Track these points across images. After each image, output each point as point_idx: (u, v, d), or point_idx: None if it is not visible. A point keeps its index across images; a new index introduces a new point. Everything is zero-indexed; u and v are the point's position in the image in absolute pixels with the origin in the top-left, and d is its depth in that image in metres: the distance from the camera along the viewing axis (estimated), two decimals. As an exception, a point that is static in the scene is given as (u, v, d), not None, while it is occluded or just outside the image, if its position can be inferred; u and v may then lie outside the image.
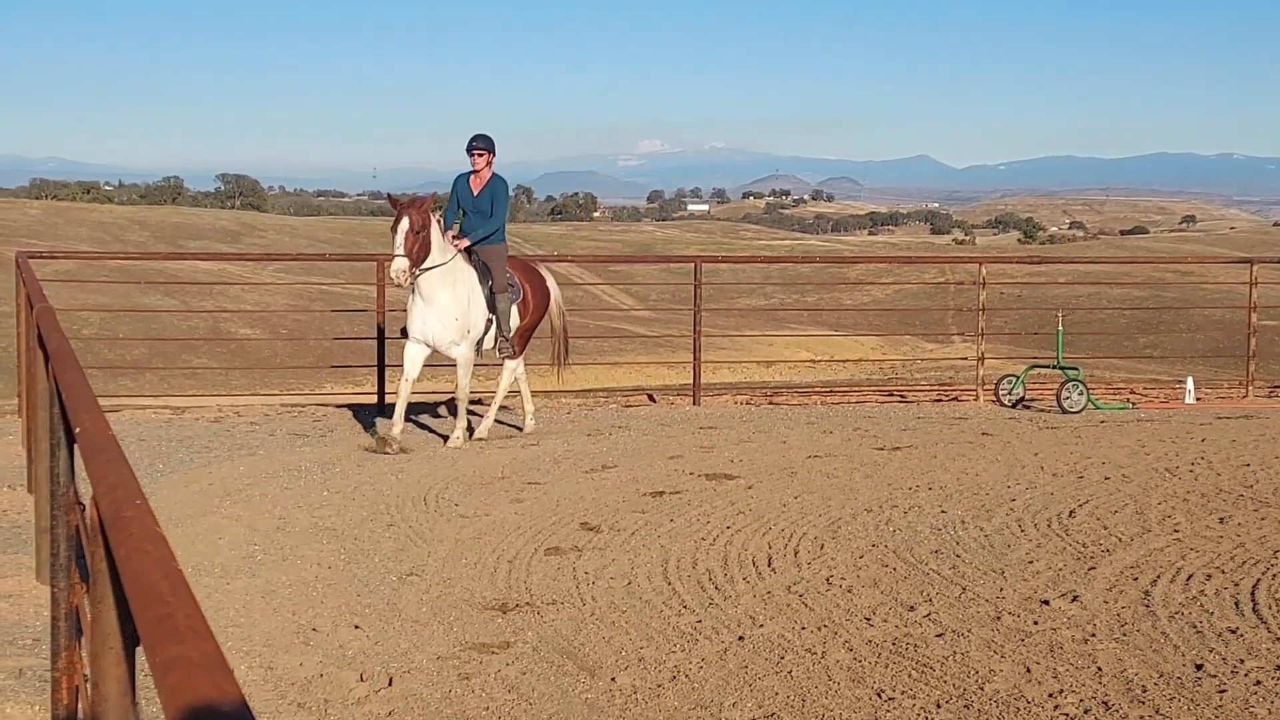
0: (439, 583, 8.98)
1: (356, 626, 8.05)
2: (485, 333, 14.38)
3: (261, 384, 32.66)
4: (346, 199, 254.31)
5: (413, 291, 13.83)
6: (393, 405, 14.39)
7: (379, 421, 14.82)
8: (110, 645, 3.12)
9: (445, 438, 14.42)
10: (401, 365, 14.31)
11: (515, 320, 14.71)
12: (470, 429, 14.60)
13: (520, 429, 15.27)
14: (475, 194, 14.47)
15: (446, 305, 13.88)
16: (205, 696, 1.75)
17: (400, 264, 13.28)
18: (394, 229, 13.37)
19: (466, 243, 14.20)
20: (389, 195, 14.13)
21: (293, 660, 7.41)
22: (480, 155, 14.50)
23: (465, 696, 6.92)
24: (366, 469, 12.74)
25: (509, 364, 14.99)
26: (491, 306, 14.37)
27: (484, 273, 14.30)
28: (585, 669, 7.33)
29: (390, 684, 7.08)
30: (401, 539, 10.14)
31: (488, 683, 7.12)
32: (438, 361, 14.70)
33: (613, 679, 7.17)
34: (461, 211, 14.58)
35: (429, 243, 13.59)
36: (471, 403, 15.03)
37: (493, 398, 15.58)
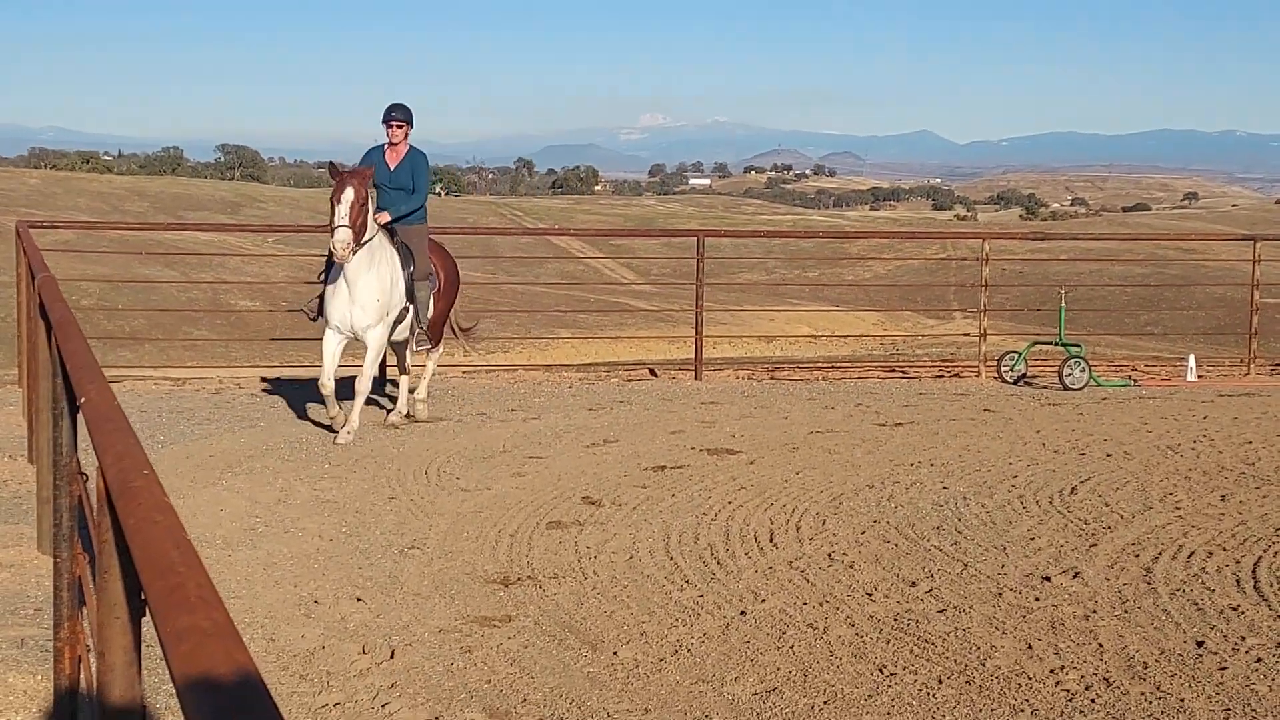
0: (440, 556, 8.99)
1: (358, 599, 8.05)
2: (399, 322, 13.31)
3: (261, 356, 32.64)
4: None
5: (329, 271, 12.84)
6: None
7: (334, 428, 13.03)
8: (116, 615, 3.12)
9: (332, 430, 13.03)
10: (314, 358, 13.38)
11: (430, 310, 13.72)
12: (364, 423, 13.28)
13: (388, 411, 14.31)
14: (393, 168, 13.47)
15: (369, 286, 12.75)
16: (217, 665, 1.74)
17: (344, 236, 12.16)
18: (336, 199, 12.26)
19: (387, 217, 13.10)
20: (331, 163, 12.87)
21: (294, 632, 7.41)
22: (399, 127, 13.50)
23: (467, 669, 6.93)
24: (367, 443, 12.74)
25: (434, 354, 14.33)
26: (410, 294, 13.35)
27: (405, 256, 13.28)
28: (587, 643, 7.34)
29: (392, 656, 7.08)
30: (402, 512, 10.15)
31: (490, 656, 7.13)
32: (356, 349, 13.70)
33: (614, 653, 7.18)
34: (375, 187, 13.38)
35: (368, 218, 12.60)
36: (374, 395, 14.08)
37: (415, 380, 14.49)
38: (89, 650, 5.60)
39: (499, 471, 11.56)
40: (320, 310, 13.07)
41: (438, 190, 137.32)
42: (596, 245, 74.38)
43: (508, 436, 13.10)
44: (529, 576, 8.52)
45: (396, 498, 10.57)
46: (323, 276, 13.10)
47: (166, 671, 5.84)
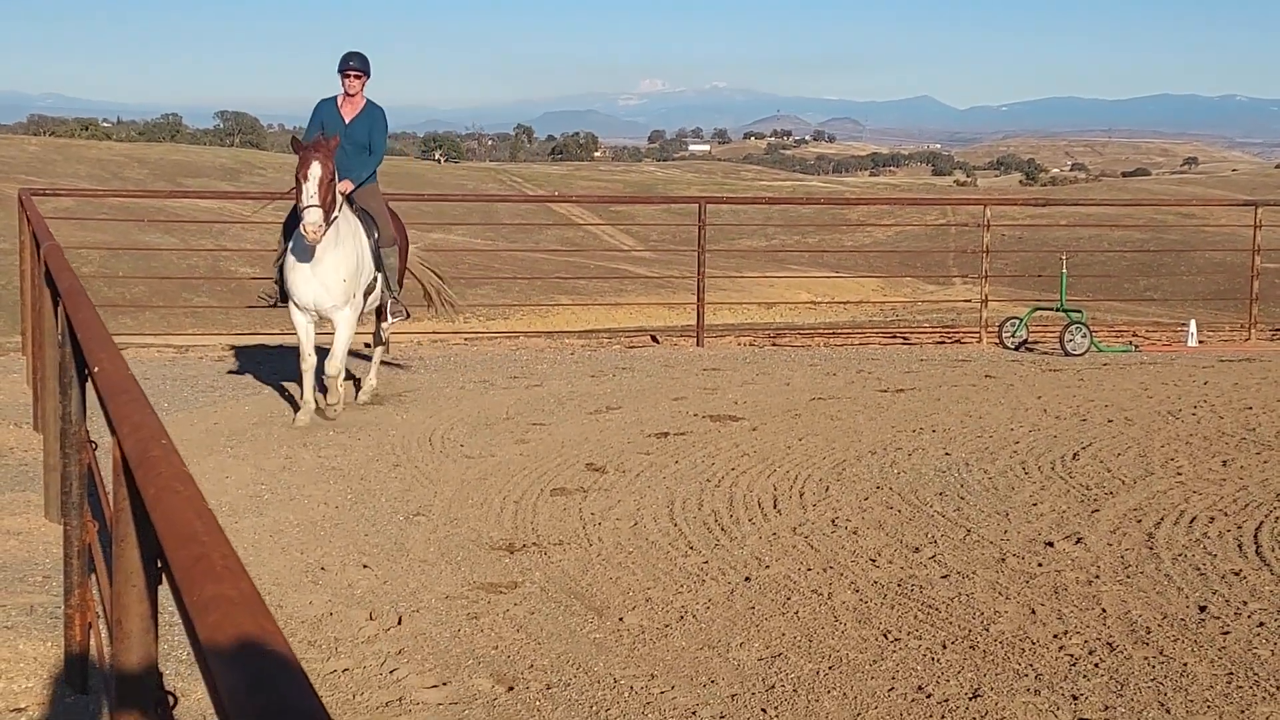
0: (446, 523, 9.02)
1: (365, 566, 8.09)
2: (369, 294, 12.45)
3: (262, 323, 32.63)
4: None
5: (289, 246, 11.99)
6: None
7: (301, 406, 12.27)
8: (133, 583, 3.15)
9: (319, 402, 12.44)
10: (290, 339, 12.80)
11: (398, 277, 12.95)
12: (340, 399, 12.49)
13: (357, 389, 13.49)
14: (349, 123, 12.32)
15: (335, 266, 11.83)
16: (246, 634, 1.76)
17: (316, 217, 11.16)
18: (303, 175, 11.19)
19: (350, 187, 12.12)
20: (293, 138, 11.82)
21: (302, 599, 7.45)
22: (357, 77, 12.32)
23: (474, 635, 6.97)
24: (372, 410, 12.77)
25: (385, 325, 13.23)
26: (378, 263, 12.45)
27: (368, 223, 12.35)
28: (593, 609, 7.38)
29: (399, 623, 7.12)
30: (407, 479, 10.18)
31: (496, 622, 7.17)
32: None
33: (620, 619, 7.21)
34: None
35: (336, 194, 11.63)
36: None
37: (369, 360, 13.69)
38: (99, 617, 5.64)
39: (502, 438, 11.59)
40: (283, 293, 12.22)
41: (437, 157, 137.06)
42: (596, 212, 74.29)
43: (511, 403, 13.13)
44: (534, 543, 8.55)
45: (401, 465, 10.60)
46: (280, 257, 12.30)
47: (173, 640, 5.86)
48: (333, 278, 11.85)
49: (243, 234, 51.86)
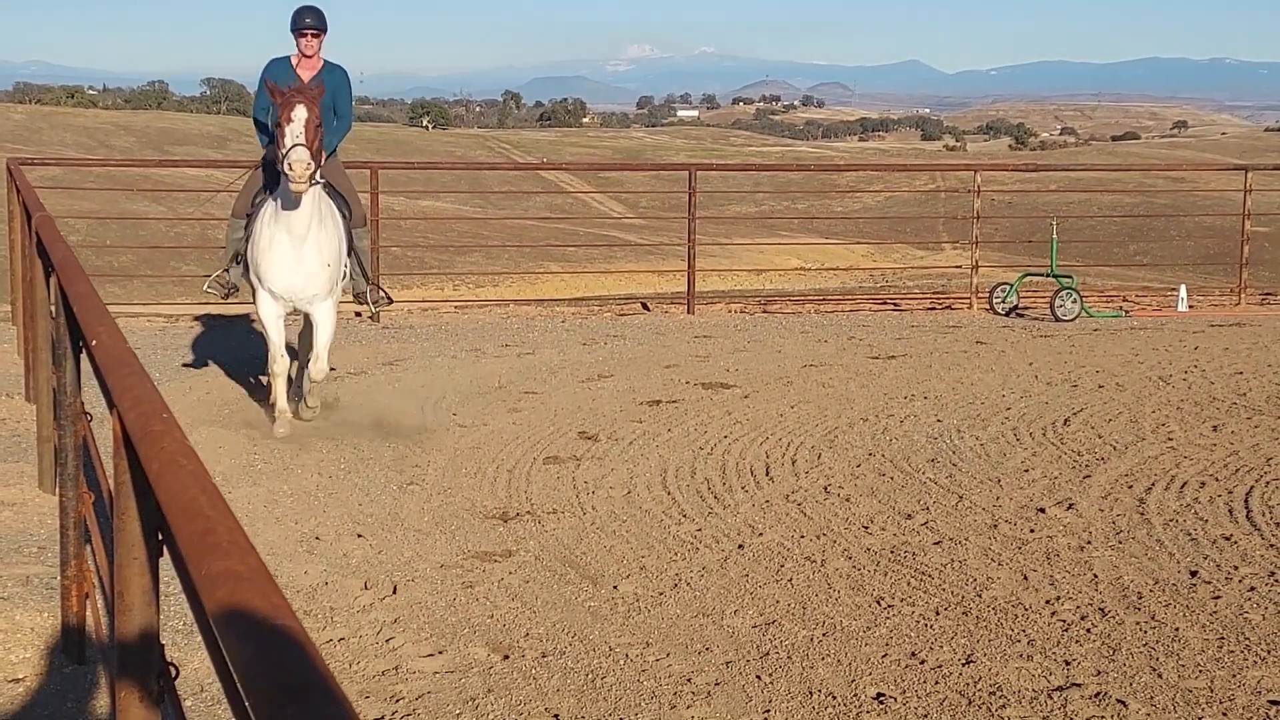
0: (440, 492, 9.04)
1: (359, 535, 8.11)
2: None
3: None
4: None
5: (253, 221, 10.61)
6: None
7: (277, 416, 10.69)
8: (134, 555, 3.17)
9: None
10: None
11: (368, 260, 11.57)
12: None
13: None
14: (304, 82, 10.52)
15: (319, 247, 10.39)
16: (256, 609, 1.78)
17: (303, 155, 9.70)
18: (285, 118, 9.77)
19: (324, 156, 10.38)
20: (268, 82, 10.35)
21: (297, 569, 7.47)
22: (315, 36, 10.90)
23: (469, 604, 6.99)
24: (364, 379, 12.77)
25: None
26: (350, 246, 10.97)
27: (338, 201, 10.85)
28: (587, 577, 7.40)
29: (395, 592, 7.14)
30: (401, 448, 10.19)
31: (491, 591, 7.19)
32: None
33: (615, 587, 7.24)
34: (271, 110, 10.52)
35: (321, 151, 10.17)
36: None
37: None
38: (95, 588, 5.66)
39: (495, 407, 11.60)
40: (243, 275, 10.85)
41: (425, 123, 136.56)
42: (585, 179, 74.17)
43: (503, 372, 13.14)
44: (528, 512, 8.58)
45: (394, 434, 10.61)
46: (236, 241, 10.87)
47: (168, 610, 5.85)
48: (315, 261, 10.38)
49: (231, 202, 51.83)
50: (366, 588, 7.20)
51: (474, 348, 14.60)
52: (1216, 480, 9.27)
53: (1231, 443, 10.34)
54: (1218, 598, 7.00)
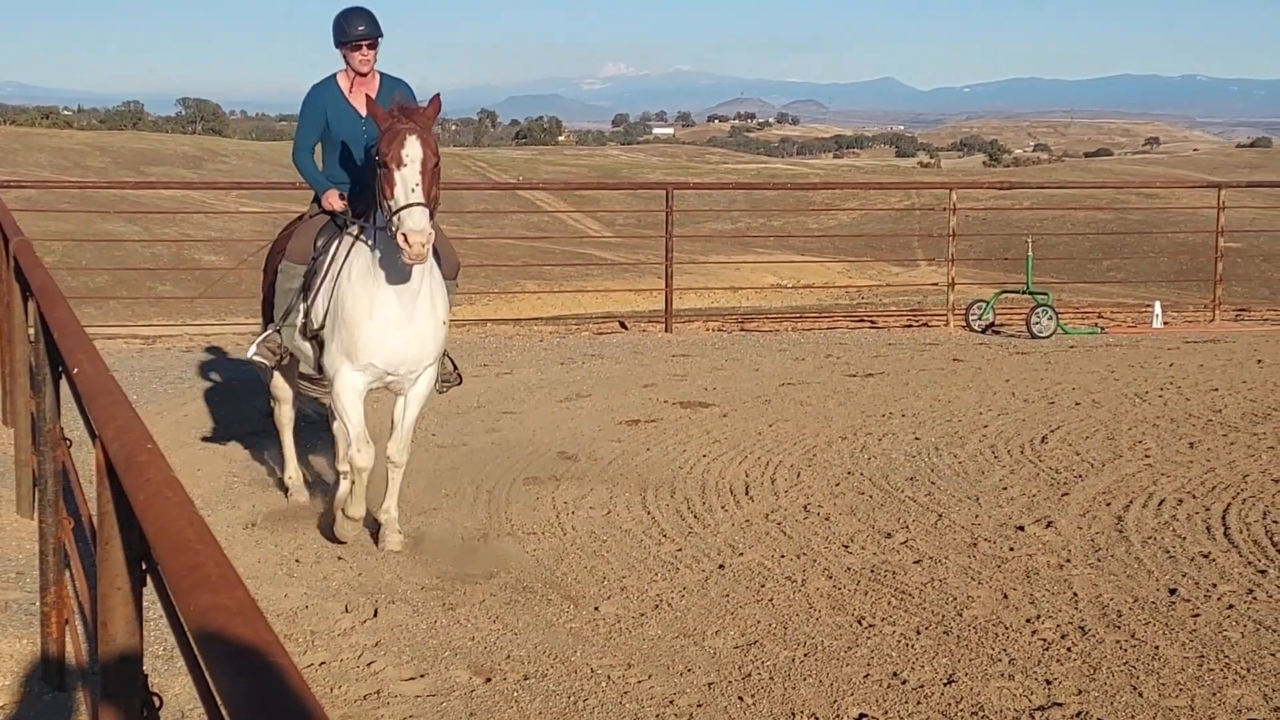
0: (420, 513, 9.03)
1: (339, 558, 8.10)
2: None
3: (228, 312, 32.51)
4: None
5: (344, 274, 8.12)
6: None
7: (342, 518, 8.43)
8: (118, 585, 3.16)
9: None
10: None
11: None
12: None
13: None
14: (366, 115, 8.20)
15: (434, 298, 8.12)
16: (246, 644, 1.78)
17: (422, 220, 7.36)
18: (395, 159, 7.40)
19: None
20: (369, 97, 7.99)
21: (277, 592, 7.45)
22: (371, 47, 8.52)
23: (450, 627, 6.98)
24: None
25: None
26: None
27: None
28: (568, 598, 7.40)
29: (375, 615, 7.13)
30: (380, 469, 10.15)
31: (472, 613, 7.19)
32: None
33: (596, 608, 7.24)
34: (322, 146, 8.83)
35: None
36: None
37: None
38: (75, 614, 5.63)
39: (474, 427, 11.59)
40: (302, 337, 8.50)
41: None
42: (562, 197, 74.20)
43: (481, 392, 13.12)
44: (508, 533, 8.57)
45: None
46: (296, 278, 8.52)
47: (149, 636, 5.83)
48: (429, 321, 8.07)
49: (207, 222, 51.68)
50: (347, 610, 7.18)
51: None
52: (1194, 498, 9.30)
53: (1208, 460, 10.38)
54: (1197, 616, 7.02)
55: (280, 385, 9.49)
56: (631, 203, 61.26)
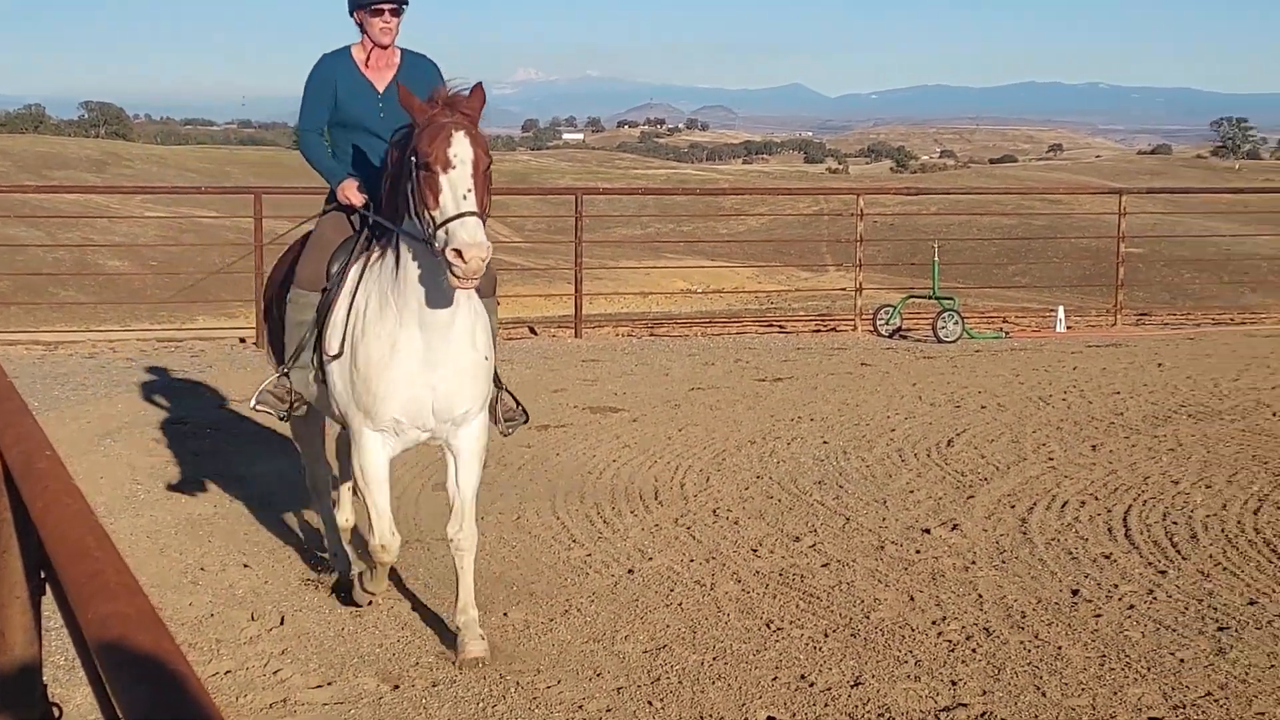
0: (327, 519, 8.95)
1: (246, 565, 8.02)
2: None
3: (131, 317, 32.13)
4: (215, 127, 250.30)
5: (361, 307, 6.61)
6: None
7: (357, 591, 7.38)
8: (17, 595, 3.12)
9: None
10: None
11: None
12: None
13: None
14: (383, 93, 7.12)
15: (472, 330, 6.56)
16: (145, 654, 1.76)
17: (479, 233, 5.85)
18: (441, 160, 5.94)
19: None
20: (405, 91, 6.19)
21: (182, 600, 7.38)
22: (395, 14, 7.11)
23: (359, 634, 6.94)
24: (244, 405, 12.62)
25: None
26: None
27: None
28: (478, 605, 7.37)
29: (282, 622, 7.08)
30: (288, 477, 10.08)
31: (381, 620, 7.15)
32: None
33: (504, 614, 7.23)
34: (326, 132, 7.34)
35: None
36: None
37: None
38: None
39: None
40: (316, 379, 6.94)
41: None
42: (471, 201, 73.80)
43: (389, 398, 13.04)
44: (417, 539, 8.53)
45: (279, 462, 10.50)
46: (308, 309, 6.94)
47: (49, 645, 5.75)
48: (468, 358, 6.53)
49: (111, 227, 51.04)
50: (253, 619, 7.12)
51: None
52: (1096, 499, 9.43)
53: (1110, 462, 10.52)
54: (1099, 616, 7.12)
55: (305, 437, 7.83)
56: (541, 208, 61.15)
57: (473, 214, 5.85)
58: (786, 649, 6.70)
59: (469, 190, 5.88)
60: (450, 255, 5.78)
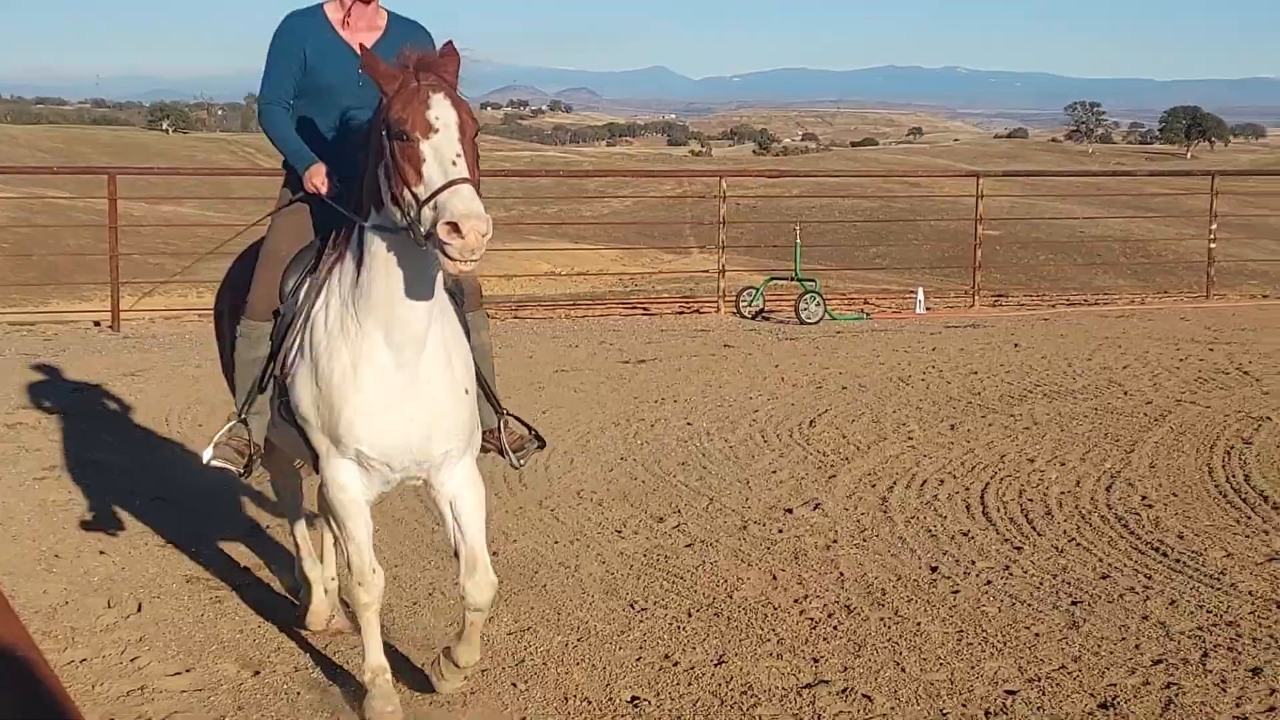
0: (187, 506, 8.83)
1: (102, 552, 7.89)
2: None
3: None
4: (68, 107, 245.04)
5: (317, 325, 5.55)
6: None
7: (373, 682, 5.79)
8: None
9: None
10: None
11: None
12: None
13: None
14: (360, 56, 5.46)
15: (448, 356, 5.53)
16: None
17: (475, 203, 4.84)
18: (420, 125, 5.00)
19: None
20: (366, 51, 5.33)
21: (35, 588, 7.23)
22: None
23: (218, 620, 6.86)
24: (105, 388, 12.40)
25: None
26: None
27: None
28: (341, 600, 7.31)
29: (139, 610, 6.97)
30: (145, 461, 9.92)
31: (239, 606, 7.07)
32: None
33: (368, 598, 7.16)
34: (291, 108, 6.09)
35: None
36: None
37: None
38: None
39: (242, 417, 11.37)
40: (280, 419, 5.83)
41: (165, 127, 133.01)
42: (332, 183, 73.12)
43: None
44: (279, 525, 8.44)
45: (138, 447, 10.33)
46: (262, 344, 5.86)
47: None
48: (444, 388, 5.48)
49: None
50: (110, 606, 7.01)
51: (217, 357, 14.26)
52: (954, 478, 9.58)
53: (968, 441, 10.70)
54: (956, 592, 7.24)
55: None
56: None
57: (465, 180, 4.85)
58: (650, 629, 6.73)
59: (458, 155, 4.91)
60: (443, 231, 4.74)
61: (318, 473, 5.77)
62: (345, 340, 5.38)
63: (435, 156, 4.90)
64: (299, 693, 5.97)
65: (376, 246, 5.22)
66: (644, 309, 19.89)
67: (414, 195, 4.89)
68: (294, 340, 5.63)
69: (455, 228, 4.71)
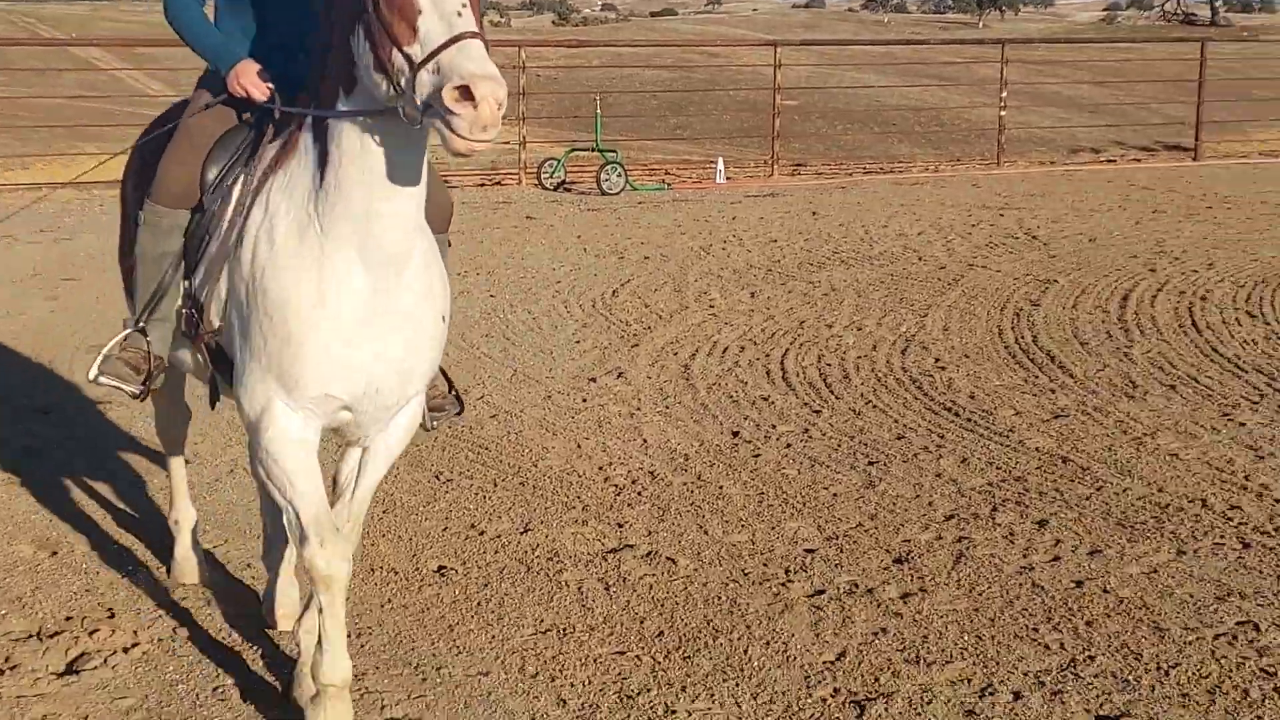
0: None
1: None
2: None
3: None
4: None
5: (264, 224, 4.31)
6: None
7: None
8: None
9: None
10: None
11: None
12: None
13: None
14: None
15: (429, 280, 4.35)
16: None
17: (488, 63, 3.66)
18: None
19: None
20: None
21: None
22: None
23: (12, 501, 6.71)
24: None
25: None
26: None
27: None
28: (139, 468, 7.21)
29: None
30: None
31: (37, 487, 6.91)
32: None
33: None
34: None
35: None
36: None
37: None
38: None
39: (32, 296, 11.08)
40: (185, 338, 4.84)
41: None
42: (120, 55, 70.74)
43: (38, 259, 12.54)
44: (74, 405, 8.26)
45: (-81, 328, 10.01)
46: (175, 236, 4.76)
47: None
48: (428, 322, 4.38)
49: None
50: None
51: (5, 234, 13.81)
52: (755, 344, 9.73)
53: (768, 308, 10.85)
54: (757, 456, 7.38)
55: (173, 429, 5.85)
56: (198, 60, 58.94)
57: (474, 34, 3.72)
58: (456, 499, 6.76)
59: (464, 4, 3.77)
60: (450, 98, 3.61)
61: (217, 402, 5.12)
62: (306, 258, 4.18)
63: (434, 6, 3.75)
64: (97, 572, 5.88)
65: (348, 139, 4.07)
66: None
67: (406, 56, 3.76)
68: (221, 248, 4.48)
69: (466, 92, 3.60)
